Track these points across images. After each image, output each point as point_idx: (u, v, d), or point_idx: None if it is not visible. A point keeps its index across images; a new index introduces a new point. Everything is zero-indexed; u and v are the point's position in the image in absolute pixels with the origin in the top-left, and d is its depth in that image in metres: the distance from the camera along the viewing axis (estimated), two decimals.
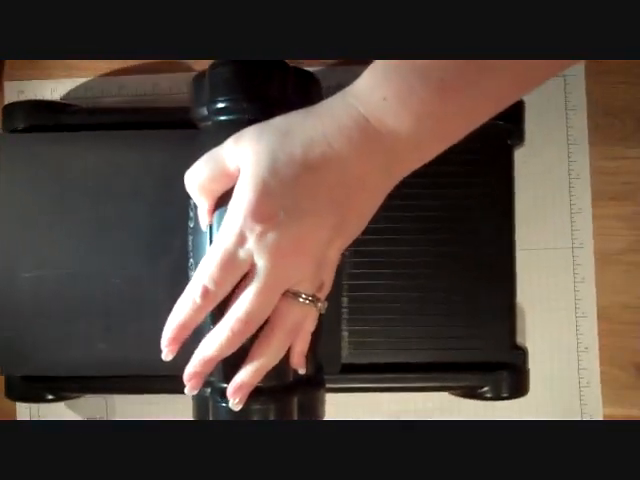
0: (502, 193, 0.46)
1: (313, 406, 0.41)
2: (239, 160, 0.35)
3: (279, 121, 0.36)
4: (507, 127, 0.46)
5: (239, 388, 0.37)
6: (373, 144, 0.34)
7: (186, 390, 0.37)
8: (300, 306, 0.36)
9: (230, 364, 0.37)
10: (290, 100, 0.40)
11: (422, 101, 0.34)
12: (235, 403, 0.37)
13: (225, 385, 0.37)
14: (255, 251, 0.34)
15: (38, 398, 0.47)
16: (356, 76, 0.36)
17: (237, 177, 0.36)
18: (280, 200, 0.34)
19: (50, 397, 0.47)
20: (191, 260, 0.41)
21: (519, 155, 0.48)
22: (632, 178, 0.50)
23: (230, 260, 0.34)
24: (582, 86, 0.50)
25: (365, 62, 0.36)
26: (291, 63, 0.41)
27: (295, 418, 0.39)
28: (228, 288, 0.35)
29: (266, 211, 0.34)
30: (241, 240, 0.34)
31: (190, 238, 0.41)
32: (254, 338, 0.36)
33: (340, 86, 0.36)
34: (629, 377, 0.49)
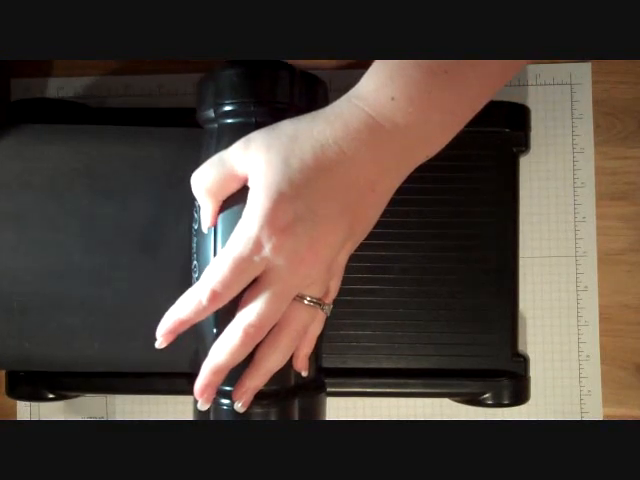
0: (507, 200, 0.46)
1: (314, 409, 0.40)
2: (249, 168, 0.35)
3: (287, 126, 0.36)
4: (513, 134, 0.46)
5: (245, 391, 0.37)
6: (383, 145, 0.35)
7: (199, 405, 0.37)
8: (308, 309, 0.37)
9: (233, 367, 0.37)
10: (297, 103, 0.40)
11: (430, 95, 0.34)
12: (240, 406, 0.37)
13: (227, 388, 0.37)
14: (272, 258, 0.34)
15: (39, 397, 0.47)
16: (359, 79, 0.36)
17: (244, 181, 0.36)
18: (295, 207, 0.34)
19: (51, 396, 0.47)
20: (195, 262, 0.40)
21: (524, 162, 0.48)
22: (633, 178, 0.50)
23: (244, 266, 0.34)
24: (589, 95, 0.50)
25: (368, 64, 0.36)
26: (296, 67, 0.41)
27: None
28: (236, 292, 0.35)
29: (282, 219, 0.34)
30: (257, 248, 0.34)
31: (194, 240, 0.41)
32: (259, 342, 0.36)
33: (346, 89, 0.36)
34: (629, 377, 0.49)
